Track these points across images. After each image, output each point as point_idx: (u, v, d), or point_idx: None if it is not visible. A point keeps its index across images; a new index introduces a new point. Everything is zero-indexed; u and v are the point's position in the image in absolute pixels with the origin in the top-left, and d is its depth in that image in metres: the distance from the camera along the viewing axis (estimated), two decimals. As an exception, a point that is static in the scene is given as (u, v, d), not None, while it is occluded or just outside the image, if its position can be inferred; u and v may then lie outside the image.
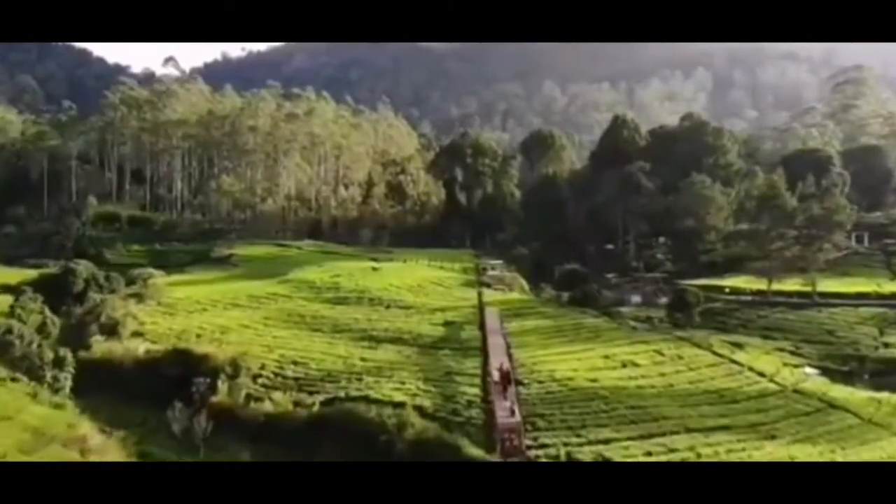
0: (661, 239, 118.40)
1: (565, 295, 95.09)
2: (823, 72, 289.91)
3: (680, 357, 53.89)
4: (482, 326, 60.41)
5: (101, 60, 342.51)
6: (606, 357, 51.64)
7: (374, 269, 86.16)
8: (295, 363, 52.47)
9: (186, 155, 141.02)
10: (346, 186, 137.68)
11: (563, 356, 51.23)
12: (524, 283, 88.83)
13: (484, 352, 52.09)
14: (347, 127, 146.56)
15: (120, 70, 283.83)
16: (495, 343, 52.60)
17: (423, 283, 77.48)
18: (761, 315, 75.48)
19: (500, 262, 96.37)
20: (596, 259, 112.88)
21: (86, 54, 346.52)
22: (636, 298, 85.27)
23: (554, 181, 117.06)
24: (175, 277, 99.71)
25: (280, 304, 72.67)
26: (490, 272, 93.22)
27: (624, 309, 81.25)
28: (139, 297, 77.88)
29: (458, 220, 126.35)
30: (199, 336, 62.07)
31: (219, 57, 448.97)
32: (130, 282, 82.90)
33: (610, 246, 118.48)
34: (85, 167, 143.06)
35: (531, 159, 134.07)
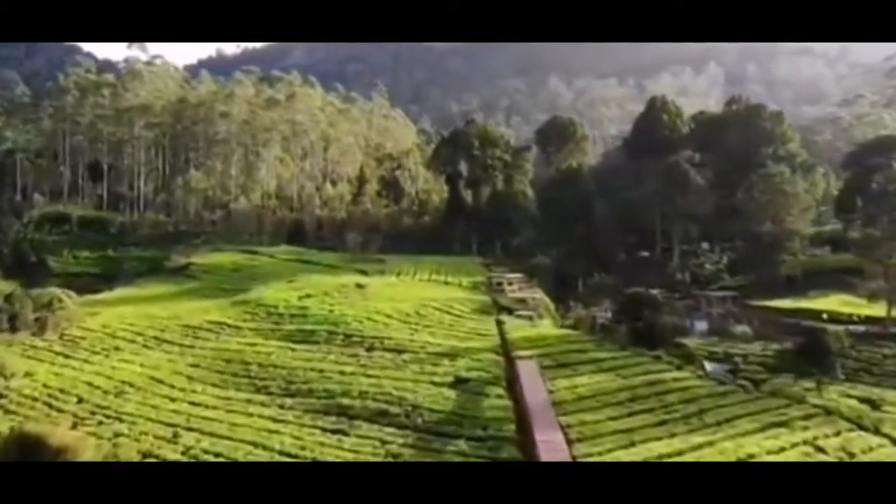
0: (705, 244, 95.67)
1: (599, 316, 73.14)
2: (840, 66, 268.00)
3: (848, 452, 31.01)
4: (513, 386, 37.54)
5: (89, 56, 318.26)
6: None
7: (359, 286, 63.11)
8: (203, 469, 29.48)
9: (151, 147, 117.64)
10: (334, 183, 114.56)
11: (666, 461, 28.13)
12: (549, 303, 65.99)
13: (526, 451, 29.04)
14: (336, 115, 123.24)
15: (110, 67, 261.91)
16: (546, 440, 29.13)
17: (423, 309, 54.38)
18: (888, 355, 52.33)
19: (518, 275, 73.34)
20: (628, 268, 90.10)
21: (75, 50, 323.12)
22: (701, 325, 62.09)
23: (578, 175, 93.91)
24: (119, 292, 78.66)
25: (222, 340, 49.78)
26: (508, 288, 70.35)
27: (687, 341, 58.47)
28: (41, 328, 55.80)
29: (463, 221, 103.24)
30: (80, 402, 39.14)
31: (213, 53, 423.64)
32: (40, 304, 60.64)
33: (645, 253, 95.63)
34: (38, 161, 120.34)
35: (548, 151, 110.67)
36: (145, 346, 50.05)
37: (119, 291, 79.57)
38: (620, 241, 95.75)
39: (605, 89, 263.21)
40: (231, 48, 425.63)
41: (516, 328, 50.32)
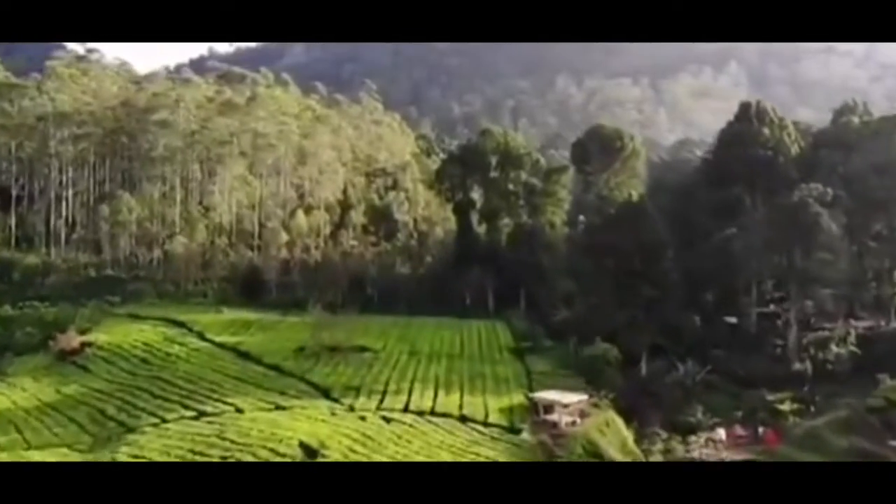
0: (809, 303, 64.75)
1: (707, 451, 43.95)
2: (872, 67, 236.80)
3: None
4: None
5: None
6: None
7: (308, 450, 32.49)
8: None
9: (76, 166, 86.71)
10: (308, 211, 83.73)
11: None
12: None
13: None
14: (314, 123, 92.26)
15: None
16: None
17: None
18: None
19: (578, 397, 42.79)
20: (709, 343, 59.81)
21: (61, 48, 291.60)
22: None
23: (641, 210, 63.25)
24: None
25: None
26: (564, 421, 40.10)
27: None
28: None
29: (476, 267, 72.49)
30: None
31: (205, 52, 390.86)
32: None
33: (731, 319, 64.97)
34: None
35: (585, 172, 79.84)
36: None
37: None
38: (695, 301, 65.32)
39: (619, 89, 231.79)
40: (224, 46, 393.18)
41: None
